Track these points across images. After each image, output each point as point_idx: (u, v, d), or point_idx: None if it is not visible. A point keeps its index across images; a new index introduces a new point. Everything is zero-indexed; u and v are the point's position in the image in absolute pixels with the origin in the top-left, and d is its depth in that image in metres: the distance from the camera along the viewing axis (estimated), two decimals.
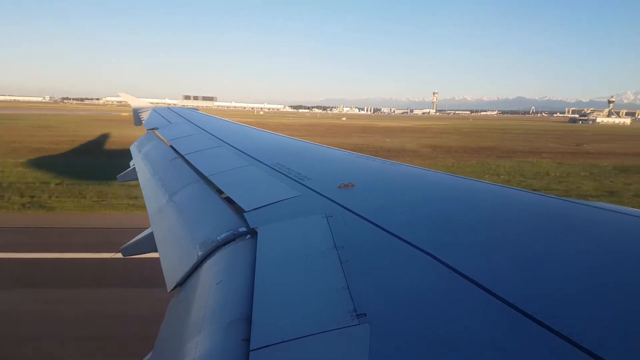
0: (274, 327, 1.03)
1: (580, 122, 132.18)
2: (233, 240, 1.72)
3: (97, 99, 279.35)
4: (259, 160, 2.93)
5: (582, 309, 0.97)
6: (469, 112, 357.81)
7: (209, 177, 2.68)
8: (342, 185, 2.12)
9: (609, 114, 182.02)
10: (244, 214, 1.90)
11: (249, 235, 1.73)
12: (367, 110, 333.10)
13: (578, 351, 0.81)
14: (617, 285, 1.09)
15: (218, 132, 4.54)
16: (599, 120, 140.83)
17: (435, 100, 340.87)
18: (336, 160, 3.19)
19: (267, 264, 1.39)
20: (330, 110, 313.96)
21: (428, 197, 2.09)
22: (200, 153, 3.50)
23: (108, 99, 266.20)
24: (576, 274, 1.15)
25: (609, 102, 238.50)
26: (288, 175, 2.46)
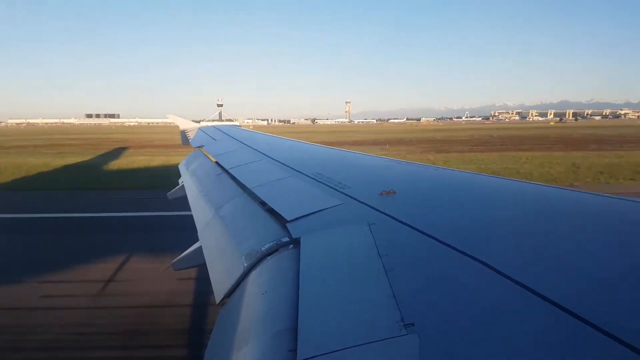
0: (320, 338, 1.02)
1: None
2: (277, 250, 1.73)
3: (1, 122, 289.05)
4: (299, 171, 2.97)
5: None
6: (375, 120, 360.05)
7: (252, 190, 2.75)
8: (384, 192, 2.10)
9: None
10: (287, 224, 1.92)
11: (291, 245, 1.73)
12: (271, 121, 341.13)
13: None
14: None
15: (259, 145, 4.69)
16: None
17: (348, 109, 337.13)
18: (376, 168, 3.18)
19: (310, 273, 1.38)
20: (231, 121, 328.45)
21: (474, 201, 2.02)
22: (243, 167, 3.62)
23: (10, 121, 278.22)
24: None
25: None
26: (328, 184, 2.47)
